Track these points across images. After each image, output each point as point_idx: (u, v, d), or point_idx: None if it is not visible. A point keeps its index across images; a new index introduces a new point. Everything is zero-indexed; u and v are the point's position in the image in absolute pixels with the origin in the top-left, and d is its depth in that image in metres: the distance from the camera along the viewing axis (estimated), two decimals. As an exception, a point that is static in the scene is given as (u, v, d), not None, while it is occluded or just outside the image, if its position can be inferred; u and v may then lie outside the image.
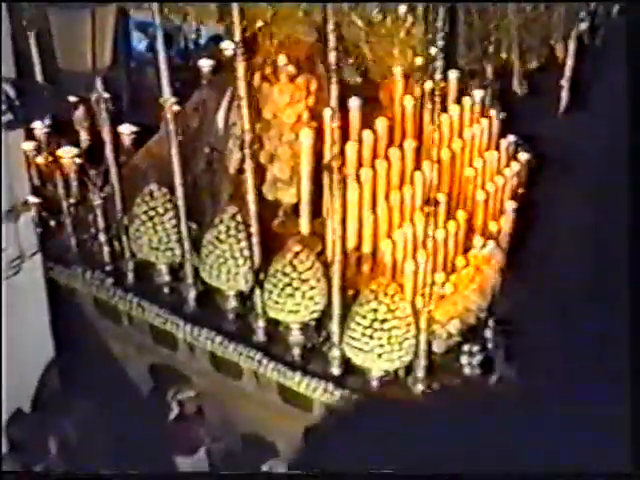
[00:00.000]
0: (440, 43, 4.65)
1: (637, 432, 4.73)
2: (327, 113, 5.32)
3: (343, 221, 5.33)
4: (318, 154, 5.55)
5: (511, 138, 6.31)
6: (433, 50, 4.70)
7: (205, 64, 6.11)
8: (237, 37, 5.08)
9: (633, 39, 5.23)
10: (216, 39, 6.38)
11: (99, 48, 4.85)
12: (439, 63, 4.72)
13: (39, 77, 6.15)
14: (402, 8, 4.91)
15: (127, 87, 6.58)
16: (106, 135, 5.83)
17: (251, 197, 5.45)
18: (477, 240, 5.89)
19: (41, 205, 6.30)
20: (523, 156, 6.32)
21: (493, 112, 6.17)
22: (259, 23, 5.33)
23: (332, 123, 5.01)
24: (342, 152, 5.22)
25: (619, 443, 4.86)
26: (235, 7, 4.98)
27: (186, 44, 6.62)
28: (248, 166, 5.36)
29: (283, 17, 5.06)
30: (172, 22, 5.83)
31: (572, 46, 6.04)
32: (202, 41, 6.84)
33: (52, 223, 6.43)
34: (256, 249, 5.62)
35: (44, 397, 6.45)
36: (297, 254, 5.46)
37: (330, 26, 4.73)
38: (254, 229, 5.55)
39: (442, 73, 4.78)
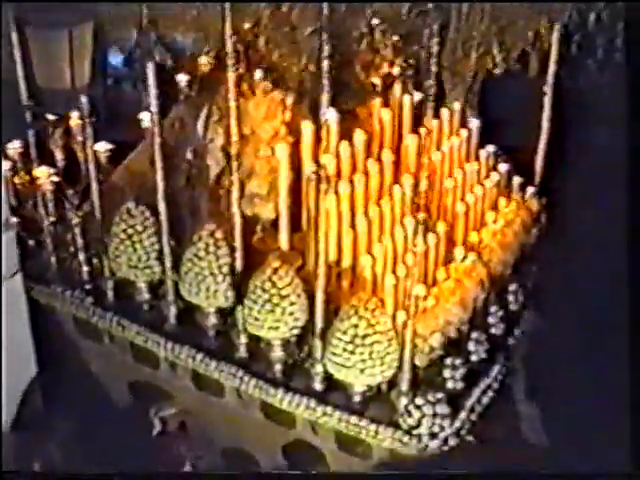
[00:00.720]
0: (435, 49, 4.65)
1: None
2: (305, 126, 5.31)
3: (323, 235, 5.29)
4: (296, 169, 5.52)
5: (490, 148, 6.30)
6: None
7: (182, 79, 6.09)
8: (229, 48, 5.05)
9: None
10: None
11: (78, 66, 4.83)
12: (433, 68, 4.72)
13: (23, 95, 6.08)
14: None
15: (103, 104, 6.53)
16: (85, 153, 5.79)
17: (235, 211, 5.42)
18: (458, 252, 5.87)
19: (19, 225, 6.29)
20: (503, 167, 6.31)
21: (473, 121, 6.16)
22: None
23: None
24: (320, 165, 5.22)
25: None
26: (228, 22, 4.97)
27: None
28: (234, 179, 5.33)
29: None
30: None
31: (555, 51, 6.02)
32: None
33: (31, 242, 6.42)
34: (238, 264, 5.59)
35: (26, 415, 6.41)
36: (276, 270, 5.42)
37: (324, 36, 4.73)
38: (237, 244, 5.53)
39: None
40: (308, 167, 5.30)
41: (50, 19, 4.66)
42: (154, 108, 5.36)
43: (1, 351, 5.81)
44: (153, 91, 5.30)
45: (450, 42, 4.82)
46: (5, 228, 5.84)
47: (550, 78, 6.08)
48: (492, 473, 5.62)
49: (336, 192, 5.40)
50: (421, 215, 5.18)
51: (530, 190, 6.45)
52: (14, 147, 6.24)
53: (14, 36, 5.73)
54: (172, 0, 5.64)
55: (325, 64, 4.81)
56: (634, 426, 4.78)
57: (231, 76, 5.11)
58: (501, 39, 5.19)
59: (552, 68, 6.03)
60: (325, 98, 4.89)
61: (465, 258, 5.87)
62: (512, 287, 6.18)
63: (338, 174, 5.51)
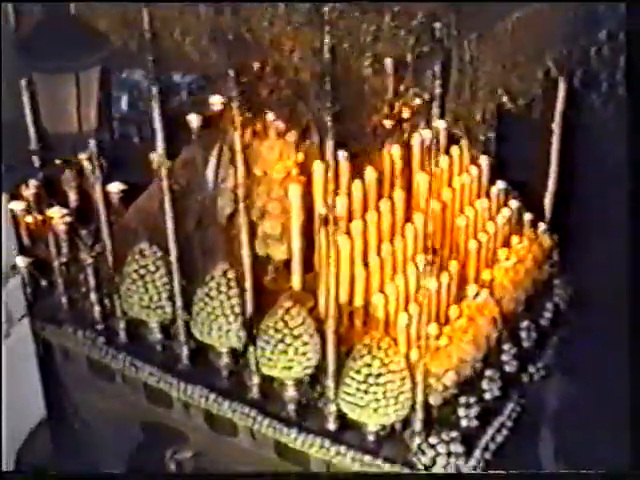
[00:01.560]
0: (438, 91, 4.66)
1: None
2: (316, 167, 5.33)
3: (335, 275, 5.30)
4: (308, 209, 5.53)
5: (501, 185, 6.31)
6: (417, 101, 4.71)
7: (193, 119, 6.12)
8: (233, 91, 5.09)
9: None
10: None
11: (85, 111, 4.84)
12: (435, 110, 4.73)
13: (33, 139, 6.12)
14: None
15: (113, 145, 6.57)
16: (97, 194, 5.82)
17: (245, 252, 5.44)
18: (470, 289, 5.87)
19: (32, 264, 6.31)
20: (514, 204, 6.31)
21: (483, 159, 6.17)
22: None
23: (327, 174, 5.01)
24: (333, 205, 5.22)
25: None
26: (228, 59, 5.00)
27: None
28: (242, 220, 5.34)
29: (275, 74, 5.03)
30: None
31: (562, 89, 6.04)
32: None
33: (43, 282, 6.43)
34: (249, 305, 5.59)
35: (35, 458, 6.40)
36: (288, 310, 5.43)
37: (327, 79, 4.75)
38: (248, 284, 5.53)
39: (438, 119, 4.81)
40: (320, 208, 5.29)
41: (57, 64, 4.66)
42: (160, 150, 5.40)
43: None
44: (159, 134, 5.36)
45: (455, 85, 4.82)
46: (12, 273, 5.86)
47: (557, 117, 6.10)
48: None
49: (348, 232, 5.40)
50: (431, 255, 5.18)
51: (541, 226, 6.44)
52: (28, 188, 6.27)
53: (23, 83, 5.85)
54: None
55: (328, 108, 4.79)
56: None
57: (237, 118, 5.14)
58: (507, 81, 5.19)
59: (559, 107, 6.04)
60: (330, 140, 4.87)
61: (477, 295, 5.86)
62: (525, 324, 6.16)
63: (350, 213, 5.51)
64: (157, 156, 5.44)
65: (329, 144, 4.89)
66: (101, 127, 5.20)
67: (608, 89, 7.22)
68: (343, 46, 4.73)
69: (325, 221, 5.07)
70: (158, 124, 5.37)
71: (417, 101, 4.83)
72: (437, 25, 4.50)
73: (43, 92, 4.83)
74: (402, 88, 4.73)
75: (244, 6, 4.90)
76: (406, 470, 5.46)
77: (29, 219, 6.33)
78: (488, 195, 6.25)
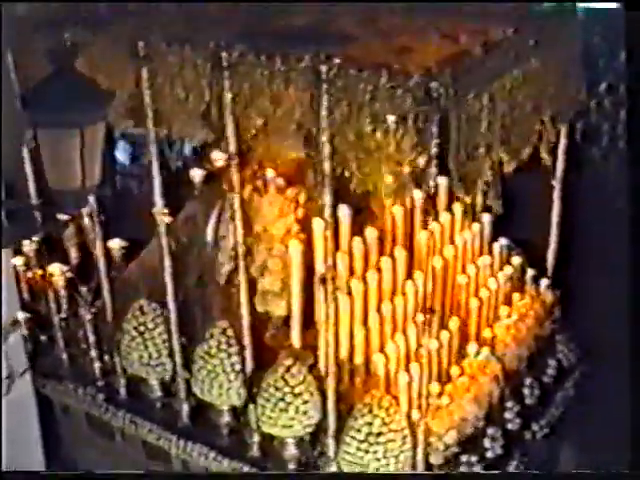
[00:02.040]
0: (434, 151, 4.66)
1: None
2: (317, 224, 5.31)
3: (335, 333, 5.28)
4: (309, 265, 5.51)
5: (503, 241, 6.30)
6: (421, 160, 4.70)
7: (196, 174, 6.11)
8: (232, 147, 5.11)
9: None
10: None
11: (88, 167, 4.84)
12: (433, 170, 4.72)
13: (33, 195, 6.13)
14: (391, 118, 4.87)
15: (115, 200, 6.57)
16: (97, 250, 5.83)
17: (244, 310, 5.43)
18: (471, 347, 5.83)
19: (32, 320, 6.29)
20: (516, 260, 6.30)
21: (485, 215, 6.16)
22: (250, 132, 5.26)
23: (325, 233, 5.02)
24: (333, 263, 5.21)
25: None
26: (229, 118, 5.02)
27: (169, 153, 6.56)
28: (242, 279, 5.34)
29: (274, 129, 5.03)
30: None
31: (562, 145, 6.04)
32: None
33: (43, 338, 6.42)
34: (248, 363, 5.56)
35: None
36: (289, 368, 5.40)
37: (324, 137, 4.76)
38: (246, 342, 5.51)
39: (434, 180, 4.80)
40: (320, 265, 5.27)
41: (62, 119, 4.67)
42: (159, 207, 5.41)
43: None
44: (157, 191, 5.37)
45: (454, 144, 4.81)
46: (13, 328, 5.85)
47: (559, 172, 6.10)
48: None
49: (348, 290, 5.38)
50: (429, 316, 5.17)
51: (544, 282, 6.42)
52: (29, 244, 6.27)
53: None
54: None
55: (327, 166, 4.81)
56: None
57: (236, 177, 5.15)
58: (506, 139, 5.19)
59: (560, 163, 6.04)
60: (327, 196, 4.87)
61: (479, 354, 5.83)
62: (527, 381, 6.13)
63: (351, 271, 5.49)
64: (156, 214, 5.44)
65: (328, 201, 4.90)
66: (104, 183, 5.21)
67: (609, 142, 7.25)
68: (341, 104, 4.73)
69: (323, 280, 5.06)
70: (157, 182, 5.39)
71: (417, 160, 4.79)
72: (434, 85, 4.50)
73: (46, 147, 4.84)
74: (401, 147, 4.70)
75: (241, 62, 4.91)
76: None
77: (29, 275, 6.30)
78: (490, 252, 6.24)
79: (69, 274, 6.11)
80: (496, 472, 5.68)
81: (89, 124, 4.69)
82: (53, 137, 4.74)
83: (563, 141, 5.98)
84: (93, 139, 4.74)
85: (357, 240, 5.51)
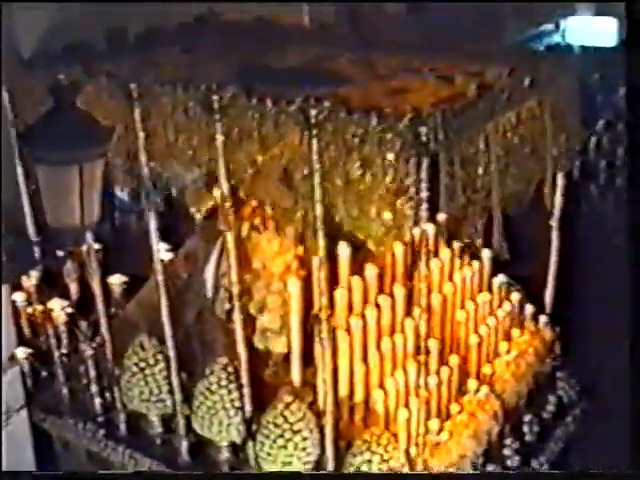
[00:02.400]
0: (424, 194, 4.68)
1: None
2: (315, 262, 5.34)
3: (334, 371, 5.29)
4: (308, 302, 5.53)
5: (502, 278, 6.32)
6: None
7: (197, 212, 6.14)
8: (224, 188, 5.14)
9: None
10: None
11: (87, 204, 4.87)
12: (423, 214, 4.74)
13: (31, 231, 6.16)
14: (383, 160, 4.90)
15: (115, 236, 6.60)
16: (96, 286, 5.84)
17: (241, 349, 5.44)
18: (471, 384, 5.84)
19: (32, 355, 6.31)
20: (515, 296, 6.32)
21: (485, 252, 6.18)
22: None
23: (320, 272, 5.05)
24: (331, 300, 5.24)
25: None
26: (220, 159, 5.06)
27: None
28: (237, 318, 5.37)
29: (263, 176, 5.06)
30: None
31: (560, 184, 6.07)
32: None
33: (44, 373, 6.43)
34: (247, 400, 5.57)
35: None
36: (288, 405, 5.39)
37: (316, 180, 4.80)
38: (245, 380, 5.52)
39: (428, 221, 4.82)
40: (320, 302, 5.30)
41: (61, 155, 4.71)
42: (155, 247, 5.45)
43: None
44: (154, 234, 5.42)
45: (445, 187, 4.82)
46: (10, 363, 5.87)
47: (557, 212, 6.12)
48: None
49: (347, 328, 5.39)
50: (424, 357, 5.20)
51: (543, 319, 6.44)
52: (28, 279, 6.30)
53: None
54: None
55: (318, 209, 4.84)
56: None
57: (230, 219, 5.19)
58: (503, 182, 5.22)
59: (558, 203, 6.07)
60: (321, 239, 4.91)
61: (478, 391, 5.84)
62: (527, 418, 6.13)
63: (350, 308, 5.51)
64: (155, 251, 5.47)
65: (322, 243, 4.93)
66: (103, 219, 5.24)
67: (606, 180, 7.29)
68: (330, 147, 4.76)
69: (317, 320, 5.10)
70: (152, 219, 5.42)
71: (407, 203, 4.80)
72: (423, 129, 4.52)
73: (46, 183, 4.87)
74: (390, 189, 4.72)
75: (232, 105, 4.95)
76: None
77: (29, 310, 6.33)
78: (490, 288, 6.26)
79: (69, 309, 6.13)
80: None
81: (88, 161, 4.72)
82: (52, 173, 4.77)
83: (561, 181, 6.00)
84: (92, 176, 4.77)
85: (356, 278, 5.52)
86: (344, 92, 4.96)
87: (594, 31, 8.50)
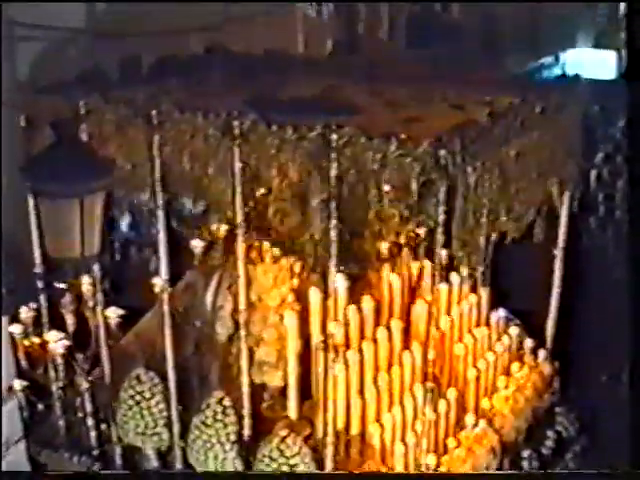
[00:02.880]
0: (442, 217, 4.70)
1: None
2: (313, 294, 5.32)
3: (332, 404, 5.26)
4: (304, 336, 5.50)
5: (501, 312, 6.29)
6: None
7: (197, 244, 6.11)
8: (239, 217, 5.14)
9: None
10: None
11: (88, 235, 4.87)
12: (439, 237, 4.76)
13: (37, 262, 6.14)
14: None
15: (114, 268, 6.58)
16: (96, 319, 5.83)
17: (244, 379, 5.42)
18: (468, 419, 5.80)
19: (29, 388, 6.27)
20: (514, 330, 6.29)
21: (483, 288, 6.16)
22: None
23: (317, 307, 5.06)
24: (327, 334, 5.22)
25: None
26: (237, 187, 5.06)
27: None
28: (242, 348, 5.35)
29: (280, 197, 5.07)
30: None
31: (564, 214, 6.05)
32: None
33: (40, 406, 6.38)
34: (246, 433, 5.54)
35: None
36: (284, 439, 5.36)
37: (332, 205, 4.80)
38: (246, 412, 5.49)
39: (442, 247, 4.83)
40: (316, 335, 5.28)
41: (62, 189, 4.71)
42: (163, 276, 5.43)
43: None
44: (164, 260, 5.39)
45: (459, 211, 4.84)
46: (8, 396, 5.84)
47: (560, 242, 6.11)
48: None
49: (345, 361, 5.36)
50: (429, 384, 5.16)
51: (542, 353, 6.40)
52: (26, 311, 6.26)
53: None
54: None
55: (333, 234, 4.84)
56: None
57: (241, 246, 5.17)
58: (510, 207, 5.24)
59: (562, 232, 6.06)
60: (332, 266, 4.90)
61: (476, 425, 5.80)
62: (526, 453, 6.08)
63: (347, 341, 5.48)
64: (160, 281, 5.45)
65: (333, 268, 4.92)
66: (103, 251, 5.24)
67: (606, 212, 7.28)
68: (350, 172, 4.78)
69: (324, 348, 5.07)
70: (163, 249, 5.42)
71: (419, 229, 4.83)
72: (442, 153, 4.55)
73: (47, 216, 4.87)
74: (406, 215, 4.74)
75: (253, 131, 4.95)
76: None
77: (27, 342, 6.29)
78: (488, 322, 6.23)
79: (66, 341, 6.09)
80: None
81: (89, 194, 4.72)
82: (53, 206, 4.77)
83: (565, 210, 6.00)
84: (93, 208, 4.77)
85: (353, 310, 5.49)
86: (358, 121, 4.97)
87: (593, 63, 8.52)
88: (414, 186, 4.68)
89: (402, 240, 5.34)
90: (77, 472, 6.15)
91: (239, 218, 5.15)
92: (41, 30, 6.00)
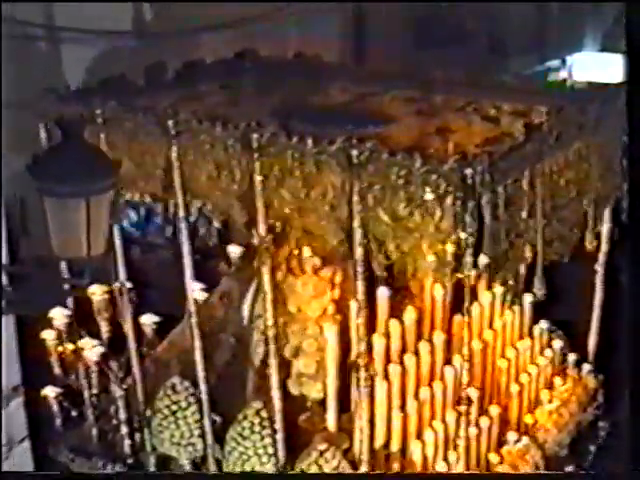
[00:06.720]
0: (470, 238, 4.54)
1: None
2: (353, 306, 5.20)
3: (371, 419, 5.14)
4: (345, 347, 5.38)
5: (544, 325, 6.16)
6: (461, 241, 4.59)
7: (234, 251, 5.99)
8: (261, 229, 5.03)
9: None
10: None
11: (94, 236, 4.79)
12: (468, 259, 4.60)
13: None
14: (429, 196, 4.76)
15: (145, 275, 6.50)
16: (128, 326, 5.75)
17: (276, 394, 5.31)
18: (511, 435, 5.67)
19: (62, 395, 6.19)
20: (557, 344, 6.15)
21: (526, 297, 6.02)
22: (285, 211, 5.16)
23: (357, 319, 4.93)
24: (369, 345, 5.09)
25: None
26: (259, 199, 4.95)
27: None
28: (272, 363, 5.24)
29: (307, 210, 4.95)
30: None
31: (606, 229, 5.90)
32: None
33: (74, 413, 6.31)
34: (280, 446, 5.42)
35: None
36: (323, 452, 5.25)
37: (356, 222, 4.68)
38: (279, 426, 5.38)
39: (472, 265, 4.67)
40: (357, 347, 5.15)
41: (68, 189, 4.63)
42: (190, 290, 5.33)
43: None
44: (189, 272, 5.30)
45: (488, 230, 4.67)
46: (13, 394, 5.78)
47: (601, 257, 5.97)
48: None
49: (385, 375, 5.24)
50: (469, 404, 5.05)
51: (586, 367, 6.26)
52: (59, 316, 6.18)
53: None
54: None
55: (359, 252, 4.72)
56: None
57: (267, 261, 5.09)
58: (547, 225, 5.07)
59: (604, 247, 5.91)
60: (360, 281, 4.79)
61: (519, 441, 5.66)
62: (569, 468, 5.95)
63: (387, 353, 5.35)
64: (189, 295, 5.37)
65: (361, 285, 4.81)
66: (109, 251, 5.16)
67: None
68: (374, 188, 4.64)
69: (356, 368, 4.96)
70: (187, 261, 5.34)
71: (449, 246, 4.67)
72: (468, 171, 4.39)
73: (52, 216, 4.80)
74: (440, 227, 4.60)
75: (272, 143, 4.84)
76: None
77: (60, 349, 6.21)
78: (531, 335, 6.10)
79: (100, 348, 6.01)
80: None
81: (95, 194, 4.65)
82: (59, 205, 4.70)
83: (606, 225, 5.84)
84: (99, 208, 4.70)
85: (395, 323, 5.36)
86: (387, 131, 4.83)
87: (600, 67, 8.34)
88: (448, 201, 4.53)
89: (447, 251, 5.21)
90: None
91: (262, 231, 5.04)
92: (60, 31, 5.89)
